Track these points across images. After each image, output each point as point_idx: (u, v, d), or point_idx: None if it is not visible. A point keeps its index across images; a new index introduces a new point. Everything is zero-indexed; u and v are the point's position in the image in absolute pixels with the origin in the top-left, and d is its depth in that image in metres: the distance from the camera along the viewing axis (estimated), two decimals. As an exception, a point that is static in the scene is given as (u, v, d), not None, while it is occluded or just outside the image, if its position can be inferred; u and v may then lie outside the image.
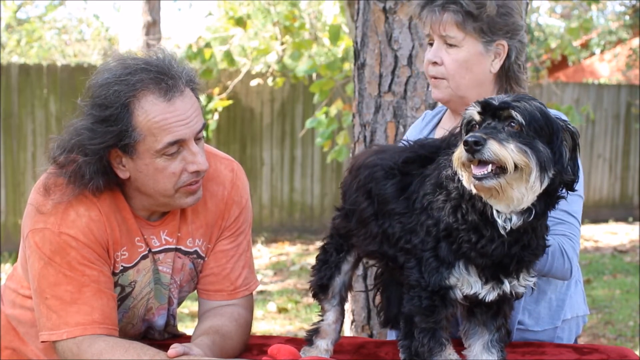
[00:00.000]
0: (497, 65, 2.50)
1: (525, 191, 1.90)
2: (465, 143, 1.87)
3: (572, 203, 2.40)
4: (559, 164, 1.94)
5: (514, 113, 1.92)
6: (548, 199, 1.98)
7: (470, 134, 1.90)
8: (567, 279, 2.48)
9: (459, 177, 1.95)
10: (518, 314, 2.52)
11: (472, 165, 1.89)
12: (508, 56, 2.51)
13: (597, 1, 12.02)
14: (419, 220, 2.08)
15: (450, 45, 2.47)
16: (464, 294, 2.05)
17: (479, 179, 1.88)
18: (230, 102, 9.61)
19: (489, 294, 2.05)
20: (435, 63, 2.50)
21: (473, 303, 2.11)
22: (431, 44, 2.53)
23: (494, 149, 1.85)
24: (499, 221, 1.94)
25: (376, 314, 2.61)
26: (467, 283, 2.04)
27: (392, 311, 2.46)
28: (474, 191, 1.93)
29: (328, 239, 2.44)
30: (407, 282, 2.11)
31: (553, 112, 2.09)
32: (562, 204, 2.33)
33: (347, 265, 2.42)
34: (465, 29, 2.44)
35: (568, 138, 1.98)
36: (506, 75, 2.54)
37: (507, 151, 1.85)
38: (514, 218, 1.94)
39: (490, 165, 1.87)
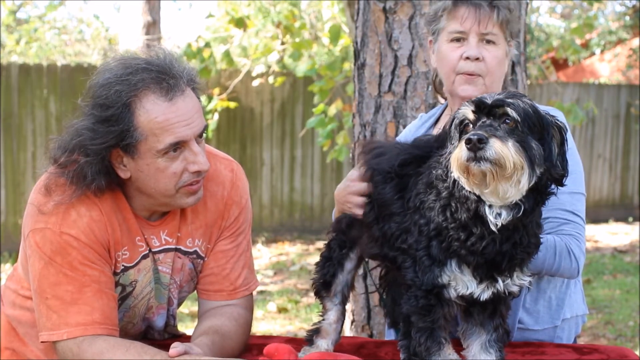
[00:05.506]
0: (507, 64, 2.61)
1: (514, 185, 1.89)
2: (468, 141, 1.84)
3: (577, 202, 2.42)
4: (549, 160, 1.94)
5: (509, 110, 1.91)
6: (538, 196, 1.97)
7: (472, 132, 1.88)
8: (574, 277, 2.51)
9: (454, 178, 1.93)
10: (518, 313, 2.53)
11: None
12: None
13: (597, 0, 12.00)
14: (413, 219, 2.08)
15: (489, 42, 2.52)
16: (459, 294, 2.05)
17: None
18: (235, 104, 9.56)
19: (483, 292, 2.05)
20: (477, 59, 2.52)
21: (469, 303, 2.11)
22: (457, 40, 2.54)
23: (496, 147, 1.84)
24: (490, 217, 1.93)
25: (384, 315, 2.61)
26: (462, 282, 2.03)
27: (400, 311, 2.46)
28: (467, 187, 1.92)
29: (332, 235, 2.44)
30: (404, 282, 2.12)
31: (541, 107, 2.10)
32: (566, 203, 2.36)
33: (350, 263, 2.42)
34: (505, 29, 2.52)
35: (556, 133, 1.98)
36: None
37: (508, 150, 1.85)
38: (504, 213, 1.93)
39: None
